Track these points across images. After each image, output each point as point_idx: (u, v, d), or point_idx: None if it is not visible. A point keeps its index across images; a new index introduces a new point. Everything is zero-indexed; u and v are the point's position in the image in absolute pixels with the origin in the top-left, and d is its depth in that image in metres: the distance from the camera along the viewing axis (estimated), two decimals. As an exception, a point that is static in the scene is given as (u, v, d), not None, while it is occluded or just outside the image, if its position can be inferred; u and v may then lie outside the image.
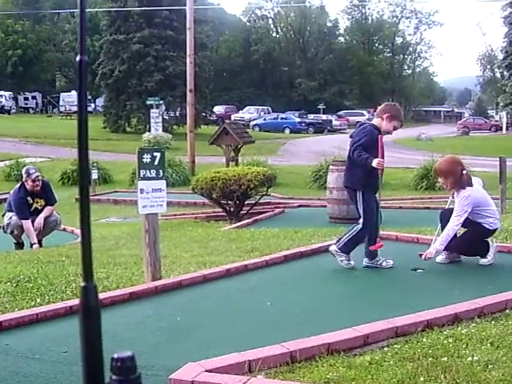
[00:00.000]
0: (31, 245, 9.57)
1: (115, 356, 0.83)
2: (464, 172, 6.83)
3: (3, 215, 10.01)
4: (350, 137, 7.11)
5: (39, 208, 9.85)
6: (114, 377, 0.84)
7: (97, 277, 5.97)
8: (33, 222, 9.65)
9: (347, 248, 6.73)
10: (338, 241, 6.87)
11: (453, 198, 7.15)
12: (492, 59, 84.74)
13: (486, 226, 6.87)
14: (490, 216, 6.89)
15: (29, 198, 9.74)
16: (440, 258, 7.03)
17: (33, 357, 4.29)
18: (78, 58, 0.80)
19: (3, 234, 10.05)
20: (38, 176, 9.74)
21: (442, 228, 6.99)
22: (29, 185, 9.65)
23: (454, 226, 6.75)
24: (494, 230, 7.04)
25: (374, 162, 6.48)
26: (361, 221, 6.75)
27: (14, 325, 4.94)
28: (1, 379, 3.92)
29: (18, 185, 10.00)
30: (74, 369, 4.03)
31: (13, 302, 5.62)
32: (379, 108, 7.20)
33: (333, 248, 6.81)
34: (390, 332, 4.40)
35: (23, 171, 9.98)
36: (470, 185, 6.86)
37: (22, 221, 9.56)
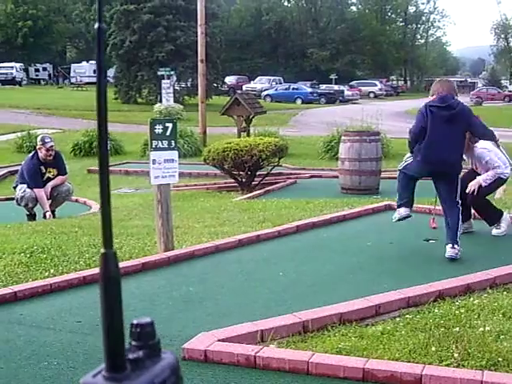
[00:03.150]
0: (44, 214, 9.62)
1: (134, 322, 0.84)
2: None
3: (15, 187, 10.04)
4: (453, 110, 6.27)
5: (51, 177, 9.85)
6: (133, 342, 0.84)
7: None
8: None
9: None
10: (452, 243, 5.97)
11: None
12: (506, 28, 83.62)
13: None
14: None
15: (42, 167, 9.75)
16: (495, 231, 6.93)
17: (47, 326, 4.34)
18: (96, 26, 0.79)
19: (16, 205, 10.08)
20: (52, 146, 9.73)
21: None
22: (42, 153, 9.64)
23: (498, 171, 6.70)
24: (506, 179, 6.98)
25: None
26: (458, 203, 6.17)
27: (28, 295, 4.99)
28: (16, 348, 3.97)
29: (31, 153, 10.01)
30: (87, 338, 4.08)
31: (27, 272, 5.67)
32: (451, 86, 6.88)
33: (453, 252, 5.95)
34: (402, 302, 4.41)
35: (38, 139, 9.96)
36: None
37: (35, 189, 9.58)
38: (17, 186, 9.99)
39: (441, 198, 6.40)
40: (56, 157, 9.92)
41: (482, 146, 6.80)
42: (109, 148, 0.88)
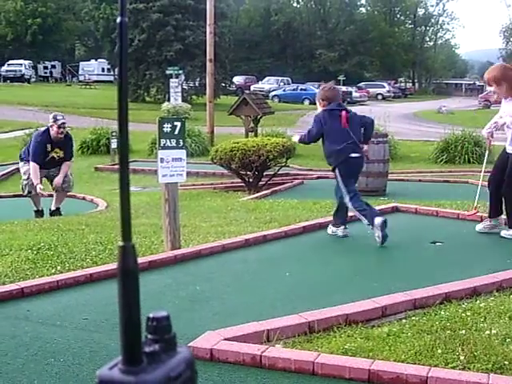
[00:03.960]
0: (35, 187, 9.43)
1: (151, 315, 0.85)
2: None
3: (21, 159, 9.89)
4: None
5: (56, 159, 9.67)
6: (149, 336, 0.85)
7: (118, 244, 6.02)
8: (45, 168, 9.53)
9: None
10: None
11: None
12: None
13: None
14: None
15: (48, 145, 9.57)
16: (480, 227, 6.93)
17: (53, 323, 4.35)
18: (118, 20, 0.79)
19: (22, 203, 10.08)
20: (64, 123, 9.57)
21: (491, 194, 6.83)
22: (53, 130, 9.46)
23: None
24: None
25: None
26: None
27: (34, 291, 5.01)
28: (22, 344, 3.98)
29: (43, 129, 9.85)
30: (94, 335, 4.09)
31: (34, 269, 5.68)
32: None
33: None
34: (408, 304, 4.41)
35: (51, 116, 9.77)
36: None
37: (32, 162, 9.45)
38: (22, 159, 9.88)
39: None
40: (66, 138, 9.78)
41: None
42: (116, 146, 0.89)
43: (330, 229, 7.07)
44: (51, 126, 9.52)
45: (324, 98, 6.99)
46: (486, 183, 6.99)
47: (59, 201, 9.96)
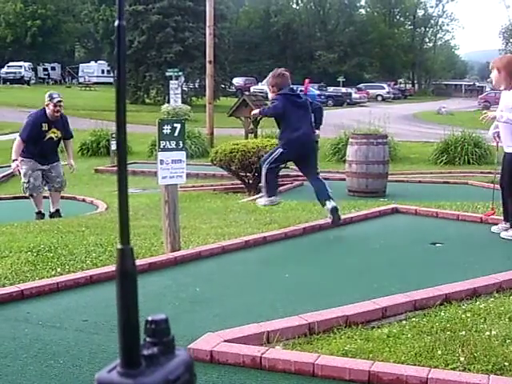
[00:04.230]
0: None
1: (149, 318, 0.85)
2: None
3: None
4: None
5: (54, 139, 9.56)
6: (148, 339, 0.85)
7: (116, 247, 6.02)
8: (42, 153, 9.45)
9: None
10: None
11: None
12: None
13: None
14: None
15: (44, 125, 9.43)
16: (505, 234, 6.84)
17: (53, 325, 4.35)
18: (116, 23, 0.79)
19: (22, 205, 10.05)
20: (60, 101, 9.48)
21: (502, 194, 6.86)
22: (50, 109, 9.34)
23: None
24: None
25: None
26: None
27: (34, 293, 5.00)
28: (22, 346, 3.98)
29: (39, 109, 9.74)
30: (93, 337, 4.09)
31: (33, 271, 5.68)
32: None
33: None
34: (408, 305, 4.41)
35: (46, 95, 9.68)
36: None
37: (18, 138, 9.37)
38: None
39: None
40: (62, 117, 9.69)
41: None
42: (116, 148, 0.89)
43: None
44: (47, 105, 9.38)
45: (274, 84, 7.26)
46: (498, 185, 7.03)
47: (56, 201, 9.91)
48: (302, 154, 7.26)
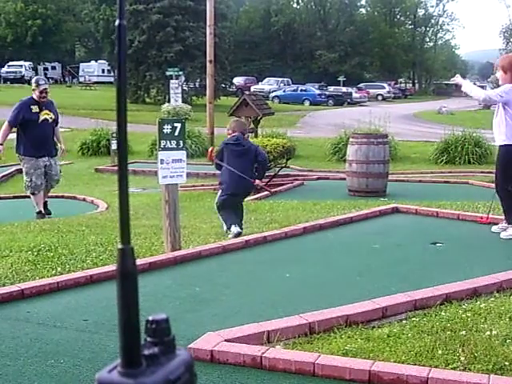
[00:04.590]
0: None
1: (150, 318, 0.84)
2: None
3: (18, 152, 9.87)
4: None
5: (49, 120, 9.58)
6: (148, 339, 0.85)
7: (116, 247, 6.02)
8: (40, 140, 9.46)
9: None
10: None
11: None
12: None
13: None
14: None
15: (34, 107, 9.45)
16: (504, 234, 6.82)
17: (54, 324, 4.35)
18: (116, 23, 0.79)
19: (22, 204, 10.04)
20: (46, 89, 9.53)
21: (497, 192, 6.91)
22: (36, 95, 9.44)
23: (481, 92, 6.93)
24: None
25: None
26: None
27: (35, 293, 5.00)
28: (22, 346, 3.98)
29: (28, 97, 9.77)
30: (94, 336, 4.09)
31: (34, 270, 5.68)
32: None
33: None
34: (409, 305, 4.40)
35: (33, 80, 9.79)
36: None
37: (6, 123, 9.41)
38: (19, 153, 9.73)
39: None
40: (51, 102, 9.73)
41: None
42: (116, 147, 0.88)
43: None
44: (33, 91, 9.48)
45: (229, 128, 8.11)
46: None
47: (46, 195, 9.95)
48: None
